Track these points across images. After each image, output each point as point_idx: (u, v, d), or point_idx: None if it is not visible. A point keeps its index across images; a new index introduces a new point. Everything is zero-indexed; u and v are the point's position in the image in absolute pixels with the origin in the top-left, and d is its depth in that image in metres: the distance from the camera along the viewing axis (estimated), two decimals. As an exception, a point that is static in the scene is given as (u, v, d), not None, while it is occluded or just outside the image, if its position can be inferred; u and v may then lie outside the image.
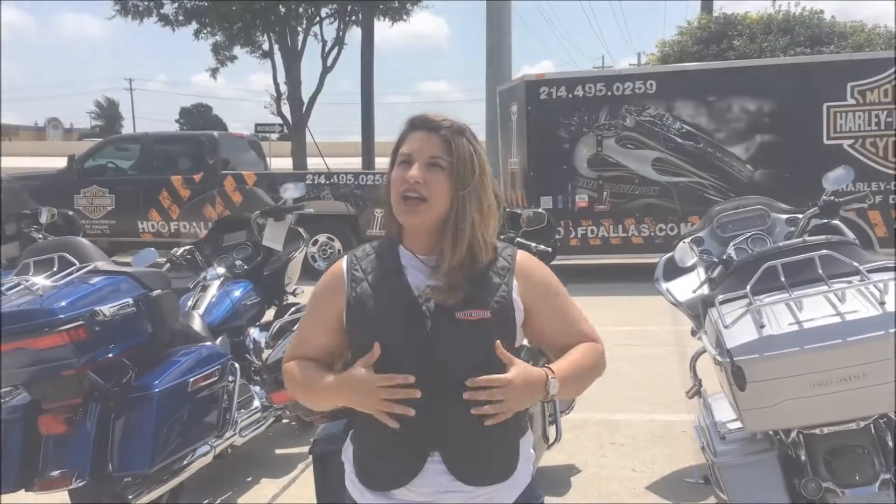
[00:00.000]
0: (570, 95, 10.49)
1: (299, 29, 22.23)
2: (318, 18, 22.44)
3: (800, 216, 3.87)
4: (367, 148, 22.57)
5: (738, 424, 2.86)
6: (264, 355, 4.00)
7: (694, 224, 6.11)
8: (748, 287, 2.66)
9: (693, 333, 3.58)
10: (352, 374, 1.70)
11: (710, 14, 19.88)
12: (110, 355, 3.47)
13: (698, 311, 3.08)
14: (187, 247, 5.01)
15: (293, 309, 3.18)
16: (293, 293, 5.25)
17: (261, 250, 5.07)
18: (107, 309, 3.41)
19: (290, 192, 5.14)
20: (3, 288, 3.38)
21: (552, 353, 1.88)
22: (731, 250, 3.68)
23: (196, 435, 3.74)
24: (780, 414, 2.51)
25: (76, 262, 3.59)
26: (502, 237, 4.28)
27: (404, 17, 22.93)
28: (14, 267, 3.82)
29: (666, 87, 10.42)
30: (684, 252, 3.80)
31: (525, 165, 10.77)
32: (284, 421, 4.94)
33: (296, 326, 3.01)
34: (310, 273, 9.56)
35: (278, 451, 4.82)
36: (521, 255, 1.84)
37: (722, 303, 2.70)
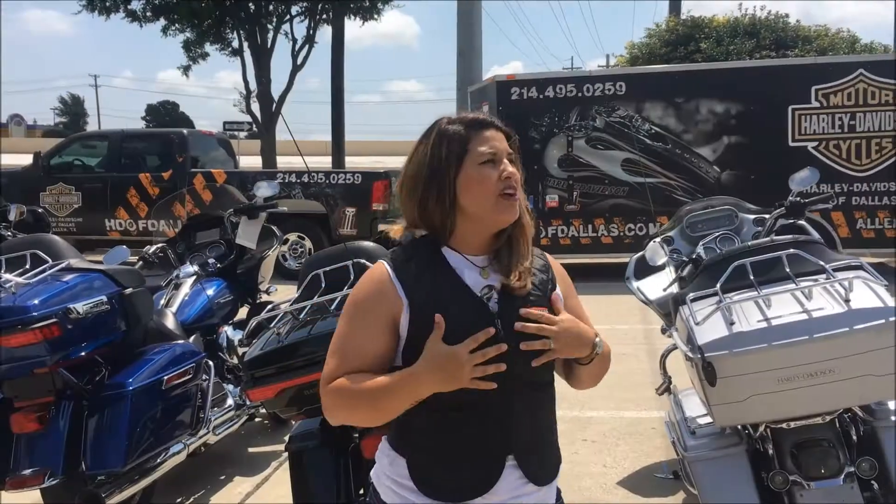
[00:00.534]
0: (541, 96, 10.57)
1: (269, 27, 22.12)
2: (288, 16, 22.35)
3: (767, 216, 3.96)
4: (338, 147, 22.52)
5: (707, 420, 2.92)
6: (240, 352, 4.01)
7: (663, 224, 6.20)
8: (718, 285, 2.72)
9: (663, 331, 3.65)
10: (431, 353, 1.60)
11: (678, 16, 20.13)
12: (84, 353, 3.46)
13: (669, 309, 3.14)
14: (160, 245, 4.99)
15: (269, 307, 3.18)
16: (267, 291, 5.25)
17: (234, 248, 5.06)
18: (80, 306, 3.39)
19: (264, 190, 5.14)
20: (-26, 285, 3.35)
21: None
22: (700, 249, 3.75)
23: (169, 433, 3.73)
24: (749, 409, 2.57)
25: (49, 260, 3.57)
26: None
27: (375, 16, 22.92)
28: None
29: (635, 88, 10.54)
30: (655, 251, 3.87)
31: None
32: (258, 419, 4.95)
33: (278, 333, 3.02)
34: (281, 272, 9.54)
35: (252, 450, 4.81)
36: (545, 253, 1.87)
37: (693, 300, 2.76)
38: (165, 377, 3.66)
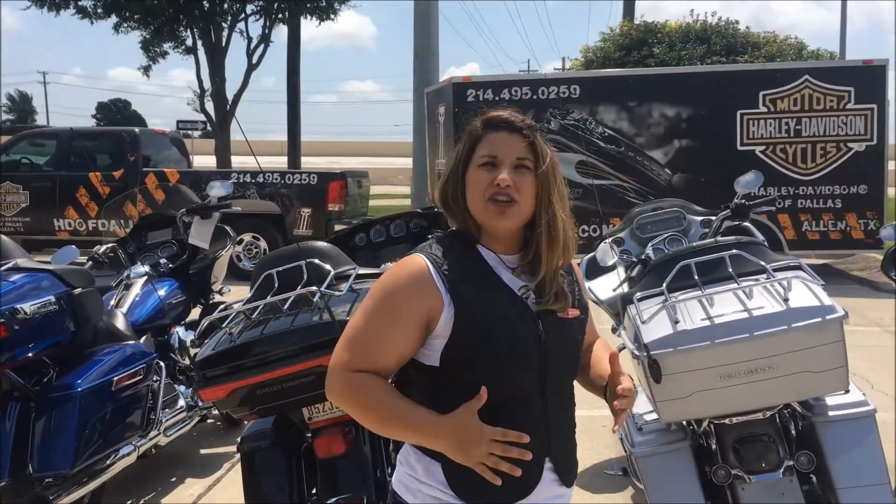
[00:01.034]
0: (497, 98, 10.65)
1: (224, 25, 21.87)
2: (243, 15, 22.12)
3: (713, 218, 4.07)
4: (294, 147, 22.37)
5: (654, 416, 2.99)
6: (192, 353, 3.98)
7: (615, 225, 6.32)
8: (664, 285, 2.79)
9: (613, 330, 3.72)
10: (461, 421, 1.56)
11: (632, 21, 20.42)
12: (31, 354, 3.41)
13: (618, 308, 3.21)
14: (110, 245, 4.93)
15: (221, 307, 3.17)
16: (220, 292, 5.22)
17: (186, 248, 5.02)
18: (28, 307, 3.34)
19: (217, 190, 5.11)
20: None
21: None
22: (649, 250, 3.84)
23: (119, 435, 3.69)
24: (693, 405, 2.65)
25: (-5, 260, 3.51)
26: (429, 236, 4.37)
27: (331, 16, 22.79)
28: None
29: (589, 92, 10.69)
30: (605, 252, 3.95)
31: (452, 167, 10.86)
32: (210, 421, 4.92)
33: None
34: (235, 273, 9.45)
35: (203, 451, 4.78)
36: None
37: (640, 300, 2.82)
38: (115, 378, 3.63)
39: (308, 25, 30.22)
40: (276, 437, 3.01)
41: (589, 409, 5.35)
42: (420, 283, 1.63)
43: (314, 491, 2.98)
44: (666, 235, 3.98)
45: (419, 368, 1.68)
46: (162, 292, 4.68)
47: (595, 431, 4.98)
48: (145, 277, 4.66)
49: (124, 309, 4.37)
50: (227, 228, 5.34)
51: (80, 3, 21.06)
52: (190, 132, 20.53)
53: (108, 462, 3.58)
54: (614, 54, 18.62)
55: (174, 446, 4.41)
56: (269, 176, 11.28)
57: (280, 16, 22.19)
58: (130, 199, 9.96)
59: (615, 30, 19.90)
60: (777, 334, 2.53)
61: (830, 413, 2.83)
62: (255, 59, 22.24)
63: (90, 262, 4.76)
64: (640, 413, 3.23)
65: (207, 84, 22.12)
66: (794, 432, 2.87)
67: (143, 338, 4.33)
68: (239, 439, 3.02)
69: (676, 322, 2.64)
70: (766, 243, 3.46)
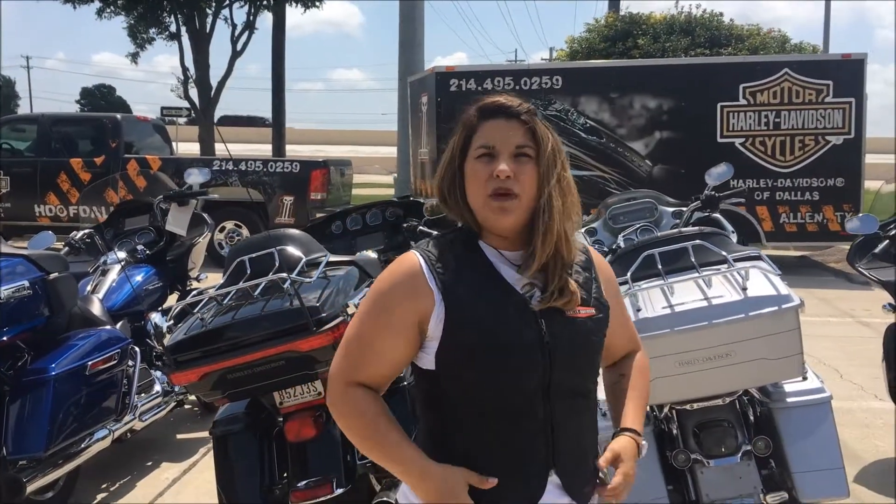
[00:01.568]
0: (480, 88, 10.67)
1: (208, 11, 21.75)
2: (227, 1, 22.00)
3: (684, 209, 4.14)
4: (278, 134, 22.31)
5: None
6: (165, 340, 4.01)
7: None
8: (629, 274, 2.86)
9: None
10: (447, 477, 1.51)
11: (617, 13, 20.45)
12: (5, 338, 3.44)
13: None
14: (86, 231, 4.94)
15: (194, 292, 3.20)
16: (197, 279, 5.25)
17: (164, 235, 5.04)
18: (2, 291, 3.37)
19: (195, 177, 5.13)
20: None
21: (607, 359, 1.79)
22: (620, 240, 3.90)
23: (94, 419, 3.73)
24: (654, 391, 2.69)
25: (-31, 245, 3.53)
26: (405, 225, 4.42)
27: (317, 3, 22.72)
28: None
29: (571, 82, 10.73)
30: (579, 242, 3.99)
31: (434, 156, 10.91)
32: (187, 406, 4.96)
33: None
34: (217, 260, 9.46)
35: (180, 436, 4.82)
36: (591, 249, 1.73)
37: (605, 288, 2.88)
38: (89, 363, 3.66)
39: (293, 12, 30.05)
40: (249, 421, 3.05)
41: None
42: (411, 282, 1.56)
43: (285, 474, 3.02)
44: (637, 226, 4.05)
45: (418, 372, 1.61)
46: (138, 278, 4.70)
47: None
48: (122, 263, 4.68)
49: (100, 294, 4.39)
50: (205, 216, 5.36)
51: (63, -12, 20.89)
52: (175, 119, 20.45)
53: (82, 446, 3.62)
54: (599, 45, 18.64)
55: (150, 431, 4.45)
56: (251, 164, 11.27)
57: (265, 2, 22.09)
58: (111, 185, 9.96)
59: (600, 21, 19.93)
60: (735, 322, 2.60)
61: (788, 399, 2.90)
62: (239, 46, 22.17)
63: (66, 248, 4.78)
64: (602, 399, 3.29)
65: (192, 70, 22.02)
66: (752, 418, 2.95)
67: (119, 323, 4.35)
68: (212, 423, 3.06)
69: (638, 310, 2.71)
70: (730, 234, 3.54)
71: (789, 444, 2.84)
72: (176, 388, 4.39)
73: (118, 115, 12.65)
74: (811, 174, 10.25)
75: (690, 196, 4.22)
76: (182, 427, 4.92)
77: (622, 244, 3.83)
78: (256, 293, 2.90)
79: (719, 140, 10.34)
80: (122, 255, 4.74)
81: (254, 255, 3.08)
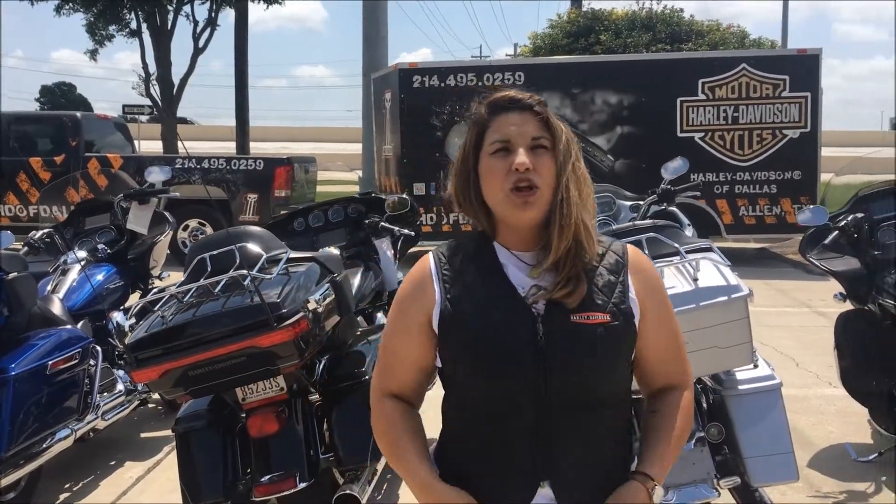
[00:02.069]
0: (443, 84, 10.72)
1: (169, 8, 21.49)
2: (188, -2, 21.76)
3: (641, 203, 4.22)
4: (242, 132, 22.13)
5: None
6: (126, 338, 4.00)
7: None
8: (584, 266, 2.92)
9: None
10: (451, 498, 1.52)
11: (580, 9, 20.63)
12: (-37, 339, 3.41)
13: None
14: (46, 230, 4.90)
15: (154, 290, 3.20)
16: (159, 277, 5.23)
17: (125, 234, 5.02)
18: (-41, 292, 3.34)
19: (155, 175, 5.10)
20: None
21: (643, 386, 1.66)
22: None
23: (56, 418, 3.71)
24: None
25: (-75, 245, 3.50)
26: (367, 222, 4.45)
27: (279, -1, 22.56)
28: None
29: (533, 78, 10.80)
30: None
31: (398, 152, 10.94)
32: (150, 405, 4.94)
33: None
34: (180, 258, 9.38)
35: (143, 435, 4.81)
36: (632, 248, 1.63)
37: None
38: (50, 362, 3.64)
39: (256, 8, 29.78)
40: (211, 417, 3.07)
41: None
42: (420, 283, 1.58)
43: (248, 470, 3.04)
44: (596, 220, 4.12)
45: (437, 371, 1.63)
46: (99, 277, 4.68)
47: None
48: (82, 263, 4.65)
49: (61, 294, 4.37)
50: (167, 214, 5.34)
51: (19, -16, 20.51)
52: (136, 117, 20.21)
53: (44, 445, 3.60)
54: (562, 41, 18.81)
55: (113, 430, 4.43)
56: (214, 161, 11.20)
57: (226, -1, 21.88)
58: (72, 184, 9.84)
59: (563, 17, 20.10)
60: (686, 312, 2.67)
61: (739, 387, 2.99)
62: (201, 43, 21.92)
63: (26, 248, 4.74)
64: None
65: (153, 68, 21.76)
66: (705, 405, 3.03)
67: (81, 323, 4.33)
68: (174, 420, 3.07)
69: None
70: (685, 227, 3.63)
71: (741, 430, 2.93)
72: (139, 387, 4.38)
73: (78, 114, 12.46)
74: (769, 167, 10.44)
75: (649, 190, 4.30)
76: (145, 426, 4.91)
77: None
78: (217, 290, 2.91)
79: (679, 135, 10.49)
80: (82, 254, 4.71)
81: (214, 252, 3.09)
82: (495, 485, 1.52)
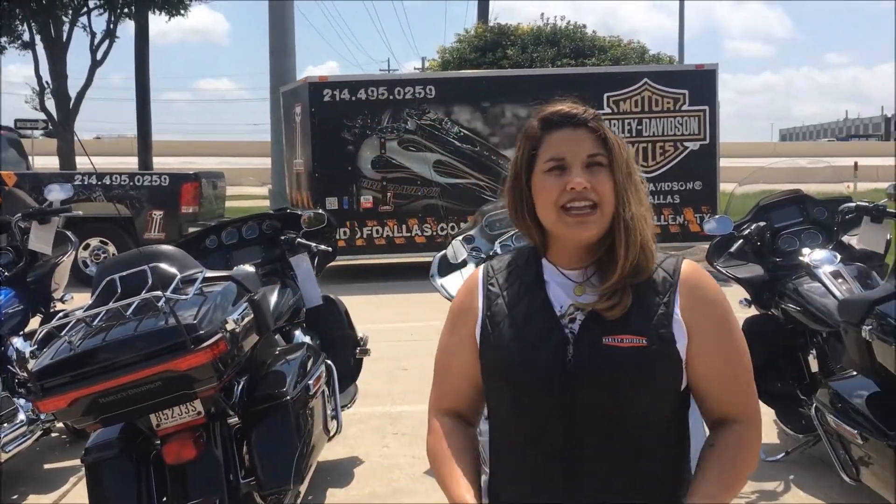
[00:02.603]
0: (354, 98, 10.67)
1: (65, 19, 20.71)
2: (85, 9, 21.02)
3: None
4: (144, 146, 21.49)
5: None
6: (29, 365, 3.81)
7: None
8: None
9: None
10: None
11: (486, 23, 20.93)
12: None
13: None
14: (-64, 254, 4.62)
15: (60, 314, 3.05)
16: (62, 300, 5.00)
17: (24, 255, 4.78)
18: None
19: (56, 193, 4.88)
20: None
21: (703, 414, 1.55)
22: (497, 247, 4.01)
23: (-49, 453, 3.49)
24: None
25: None
26: (283, 238, 4.37)
27: (181, 11, 22.03)
28: None
29: (444, 92, 10.90)
30: (456, 249, 4.10)
31: (310, 167, 10.82)
32: (54, 434, 4.71)
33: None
34: (81, 279, 9.01)
35: (48, 466, 4.57)
36: (688, 264, 1.53)
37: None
38: (-56, 394, 3.43)
39: (157, 20, 29.05)
40: (123, 446, 2.94)
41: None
42: (468, 295, 1.59)
43: (164, 499, 2.93)
44: (513, 232, 4.16)
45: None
46: (-3, 302, 4.44)
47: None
48: (-23, 287, 4.40)
49: (-46, 321, 4.12)
50: (69, 233, 5.12)
51: None
52: (30, 132, 19.34)
53: (-62, 483, 3.38)
54: (470, 55, 19.03)
55: (15, 463, 4.20)
56: (116, 178, 10.82)
57: (125, 10, 21.25)
58: (-38, 203, 9.32)
59: (470, 31, 20.34)
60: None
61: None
62: (99, 56, 21.17)
63: (-86, 273, 4.45)
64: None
65: (48, 80, 20.89)
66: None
67: (-23, 350, 4.10)
68: (84, 450, 2.93)
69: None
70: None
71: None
72: (42, 416, 4.16)
73: (-33, 129, 11.86)
74: (672, 178, 10.82)
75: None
76: (50, 456, 4.67)
77: (499, 250, 3.94)
78: (129, 312, 2.79)
79: (587, 147, 10.71)
80: (-23, 277, 4.46)
81: (124, 273, 2.97)
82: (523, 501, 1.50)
